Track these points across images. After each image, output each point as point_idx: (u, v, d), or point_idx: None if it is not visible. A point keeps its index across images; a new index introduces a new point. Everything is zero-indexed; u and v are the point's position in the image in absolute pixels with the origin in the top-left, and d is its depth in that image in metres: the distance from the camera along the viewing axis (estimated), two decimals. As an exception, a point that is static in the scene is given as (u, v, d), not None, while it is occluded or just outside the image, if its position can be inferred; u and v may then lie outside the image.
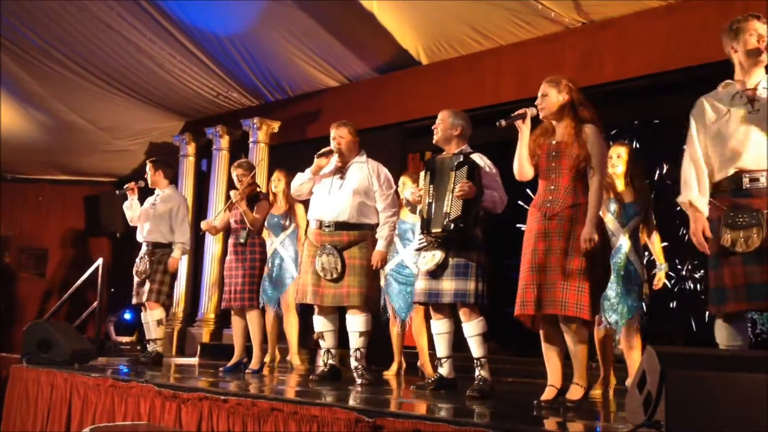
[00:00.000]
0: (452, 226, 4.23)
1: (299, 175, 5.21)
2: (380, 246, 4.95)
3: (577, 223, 3.63)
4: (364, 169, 5.03)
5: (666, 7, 5.91)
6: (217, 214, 6.26)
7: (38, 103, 9.13)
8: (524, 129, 3.85)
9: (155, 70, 8.42)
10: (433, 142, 4.59)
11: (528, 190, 6.11)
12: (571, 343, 3.65)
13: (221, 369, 5.89)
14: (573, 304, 3.53)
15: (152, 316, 6.36)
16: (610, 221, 4.72)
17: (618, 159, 4.87)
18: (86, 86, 8.76)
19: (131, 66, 8.38)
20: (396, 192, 5.17)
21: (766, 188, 3.22)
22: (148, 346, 6.52)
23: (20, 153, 9.97)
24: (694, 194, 3.34)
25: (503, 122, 3.90)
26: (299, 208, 6.44)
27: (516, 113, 3.87)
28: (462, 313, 4.34)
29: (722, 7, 5.42)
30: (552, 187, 3.73)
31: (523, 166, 3.85)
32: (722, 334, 3.28)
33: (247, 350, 5.98)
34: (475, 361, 4.34)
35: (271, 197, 6.51)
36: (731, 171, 3.28)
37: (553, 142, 3.77)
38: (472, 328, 4.33)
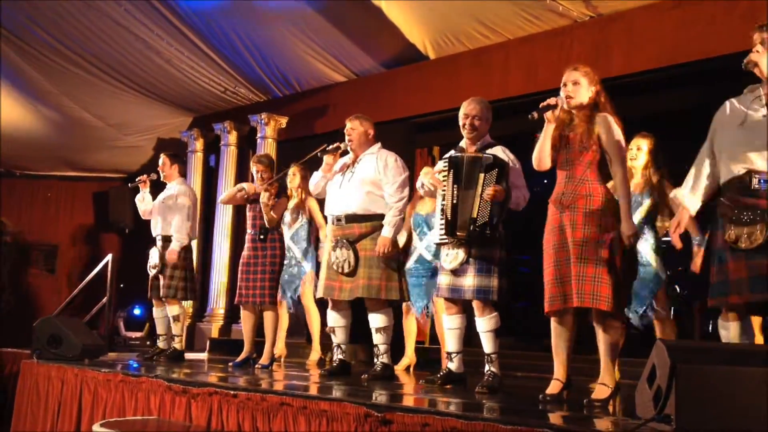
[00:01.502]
0: (478, 231, 4.15)
1: (315, 174, 5.20)
2: (385, 232, 4.85)
3: (590, 214, 3.58)
4: (373, 160, 4.99)
5: (674, 1, 5.88)
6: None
7: (47, 100, 9.17)
8: (552, 120, 3.73)
9: (163, 66, 8.44)
10: (468, 138, 4.38)
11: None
12: (601, 340, 3.61)
13: (230, 364, 5.90)
14: (589, 294, 3.49)
15: (170, 311, 6.38)
16: None
17: (638, 151, 4.77)
18: (95, 83, 8.78)
19: (139, 62, 8.40)
20: (408, 181, 5.04)
21: None
22: (158, 341, 6.54)
23: (29, 149, 10.02)
24: (682, 191, 3.53)
25: (535, 114, 3.72)
26: (311, 201, 6.43)
27: (546, 103, 3.72)
28: (476, 308, 4.30)
29: (729, 2, 5.41)
30: (566, 179, 3.70)
31: (542, 158, 3.76)
32: (725, 333, 3.29)
33: (257, 346, 5.99)
34: (486, 356, 4.31)
35: (289, 192, 6.54)
36: (742, 171, 3.30)
37: (568, 132, 3.72)
38: (486, 323, 4.29)
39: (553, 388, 3.71)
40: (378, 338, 4.92)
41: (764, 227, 3.17)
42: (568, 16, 6.37)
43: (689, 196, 3.49)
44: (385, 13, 6.87)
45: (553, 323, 3.74)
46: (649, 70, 6.01)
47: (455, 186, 4.27)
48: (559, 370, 3.74)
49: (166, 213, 6.42)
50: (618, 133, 3.65)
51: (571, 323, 3.71)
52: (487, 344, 4.31)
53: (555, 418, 3.17)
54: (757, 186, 3.26)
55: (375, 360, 4.94)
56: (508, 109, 6.69)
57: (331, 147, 5.09)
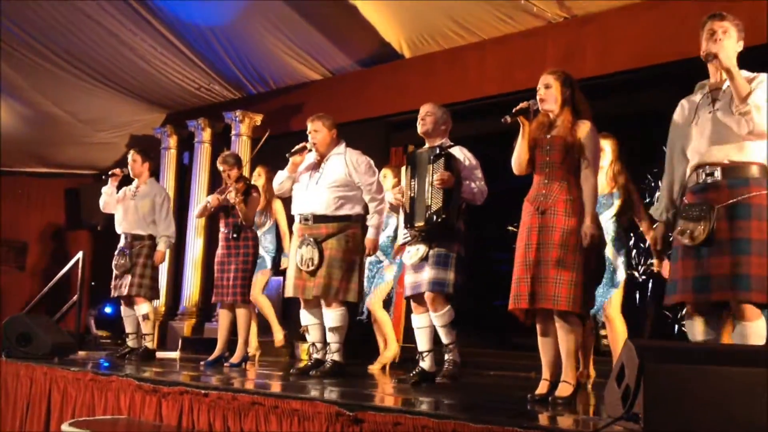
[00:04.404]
0: (434, 218, 4.26)
1: (279, 173, 5.19)
2: (370, 234, 4.95)
3: (570, 217, 3.60)
4: (341, 161, 5.01)
5: (647, 2, 5.94)
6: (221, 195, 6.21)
7: (18, 95, 9.04)
8: (526, 123, 3.76)
9: (137, 62, 8.36)
10: (420, 132, 4.59)
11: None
12: (563, 339, 3.62)
13: (202, 363, 5.86)
14: (565, 297, 3.51)
15: (139, 310, 6.31)
16: None
17: (601, 152, 4.84)
18: (67, 78, 8.68)
19: (112, 58, 8.32)
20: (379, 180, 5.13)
21: (721, 182, 3.27)
22: (127, 340, 6.47)
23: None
24: (653, 208, 3.60)
25: (508, 118, 3.76)
26: (277, 204, 6.42)
27: (519, 107, 3.75)
28: (429, 303, 4.39)
29: (702, 3, 5.46)
30: (545, 181, 3.71)
31: (521, 161, 3.79)
32: (691, 329, 3.33)
33: (230, 345, 5.96)
34: (444, 347, 4.42)
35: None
36: (693, 166, 3.38)
37: (549, 135, 3.73)
38: (440, 319, 4.40)
39: (542, 388, 3.69)
40: (330, 337, 4.94)
41: (707, 225, 3.21)
42: (542, 17, 6.41)
43: (654, 209, 3.58)
44: (360, 11, 6.87)
45: (537, 324, 3.73)
46: (622, 71, 6.06)
47: (412, 181, 4.47)
48: (547, 370, 3.72)
49: (136, 211, 6.33)
50: (598, 143, 3.76)
51: (552, 324, 3.68)
52: (444, 336, 4.43)
53: (526, 416, 3.19)
54: (704, 179, 3.32)
55: (327, 356, 4.96)
56: (484, 108, 6.73)
57: (297, 147, 5.10)
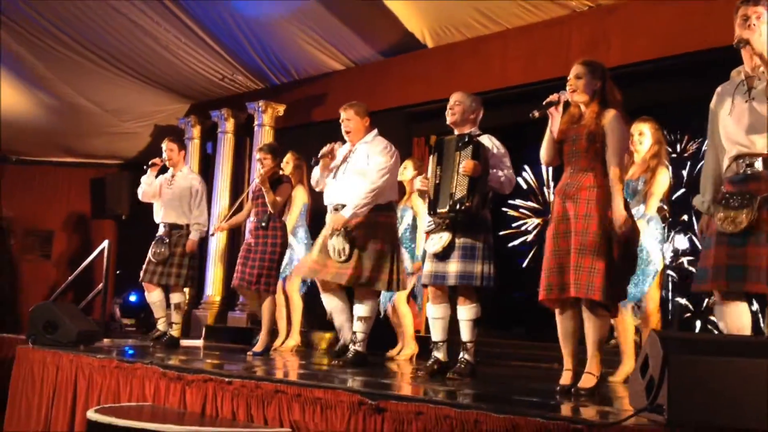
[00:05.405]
0: (458, 205, 4.24)
1: (315, 169, 5.21)
2: (343, 210, 4.87)
3: (592, 204, 3.57)
4: (364, 150, 5.00)
5: (672, -9, 5.88)
6: (236, 206, 6.29)
7: (44, 86, 9.14)
8: (555, 115, 3.74)
9: (161, 53, 8.41)
10: (448, 123, 4.54)
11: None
12: (589, 329, 3.60)
13: (249, 353, 5.74)
14: (585, 284, 3.49)
15: (173, 299, 6.38)
16: None
17: (640, 136, 4.73)
18: (92, 69, 8.76)
19: (137, 48, 8.37)
20: (394, 172, 5.08)
21: (762, 173, 3.23)
22: (157, 324, 6.52)
23: (26, 135, 10.00)
24: (697, 198, 3.54)
25: (536, 113, 3.75)
26: (298, 190, 6.43)
27: (548, 100, 3.74)
28: (460, 296, 4.37)
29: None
30: (572, 171, 3.70)
31: (549, 153, 3.79)
32: (721, 317, 3.32)
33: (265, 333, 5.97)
34: (462, 344, 4.39)
35: None
36: (732, 156, 3.33)
37: (576, 126, 3.71)
38: (467, 312, 4.37)
39: (566, 378, 3.68)
40: (358, 326, 4.95)
41: (750, 212, 3.18)
42: (566, 5, 6.36)
43: (700, 201, 3.53)
44: (383, 1, 6.85)
45: (557, 315, 3.72)
46: (646, 60, 6.00)
47: (438, 167, 4.42)
48: (569, 361, 3.71)
49: (173, 200, 6.38)
50: (623, 131, 3.68)
51: (573, 314, 3.68)
52: (466, 333, 4.39)
53: (548, 407, 3.19)
54: (744, 169, 3.28)
55: (350, 346, 4.98)
56: (507, 98, 6.69)
57: (323, 151, 5.09)
